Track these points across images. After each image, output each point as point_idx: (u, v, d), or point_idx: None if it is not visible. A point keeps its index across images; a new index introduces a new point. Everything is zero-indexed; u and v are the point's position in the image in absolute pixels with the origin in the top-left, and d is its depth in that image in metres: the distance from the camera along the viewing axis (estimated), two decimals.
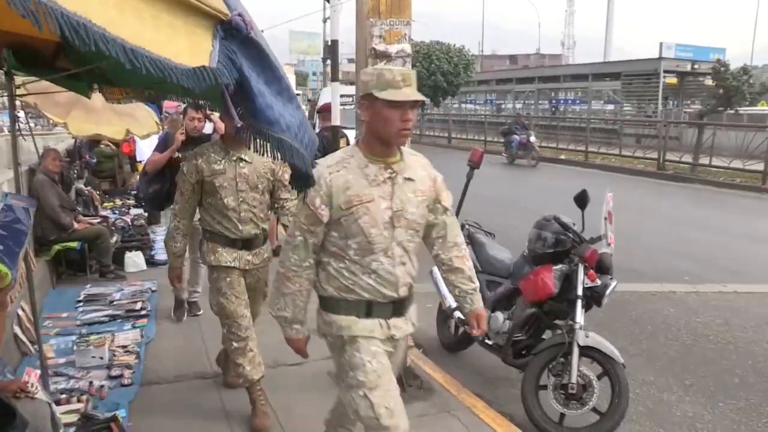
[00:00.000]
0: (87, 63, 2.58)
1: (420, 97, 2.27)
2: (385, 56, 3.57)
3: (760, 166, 15.01)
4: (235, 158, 3.70)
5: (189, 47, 1.25)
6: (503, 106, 37.57)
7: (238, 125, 1.46)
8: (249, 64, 1.36)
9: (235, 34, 1.32)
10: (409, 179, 2.40)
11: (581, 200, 3.98)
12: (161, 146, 5.46)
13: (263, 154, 1.61)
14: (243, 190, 3.70)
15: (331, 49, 4.97)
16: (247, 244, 3.77)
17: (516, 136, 20.16)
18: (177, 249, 3.83)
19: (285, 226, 3.96)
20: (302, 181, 2.16)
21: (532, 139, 20.10)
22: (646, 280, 7.18)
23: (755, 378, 4.74)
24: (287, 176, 3.69)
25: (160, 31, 1.19)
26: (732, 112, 20.85)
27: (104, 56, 1.43)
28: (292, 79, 29.94)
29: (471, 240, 4.80)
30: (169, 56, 1.20)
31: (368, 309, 2.41)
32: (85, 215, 7.94)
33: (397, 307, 2.48)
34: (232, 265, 3.73)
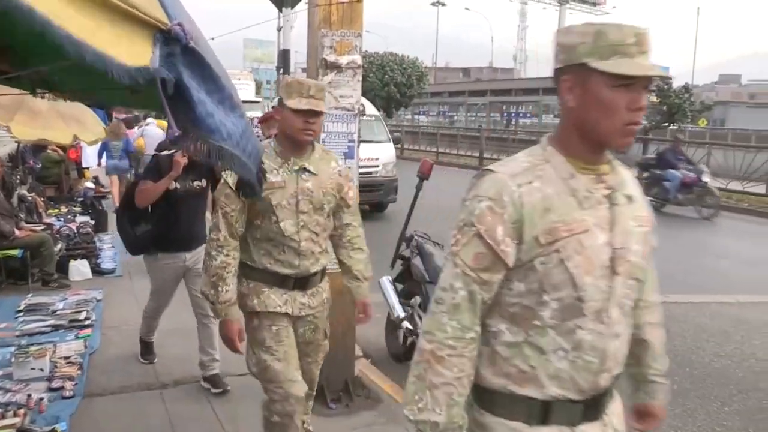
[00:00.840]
0: (29, 66, 2.54)
1: (660, 72, 1.45)
2: (336, 67, 3.60)
3: None
4: (297, 168, 2.81)
5: (129, 52, 1.25)
6: (455, 118, 38.08)
7: (177, 133, 1.46)
8: (189, 73, 1.37)
9: (174, 44, 1.33)
10: (629, 198, 1.58)
11: None
12: (153, 172, 4.28)
13: (214, 160, 1.60)
14: (305, 212, 2.82)
15: (283, 58, 4.96)
16: (302, 282, 2.91)
17: (676, 173, 12.86)
18: (229, 294, 2.78)
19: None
20: (248, 190, 2.13)
21: (706, 178, 12.79)
22: None
23: (691, 384, 4.91)
24: (352, 193, 3.07)
25: (100, 35, 1.20)
26: (675, 127, 21.61)
27: (47, 59, 1.41)
28: (251, 87, 29.55)
29: (419, 250, 4.87)
30: (112, 55, 1.21)
31: (544, 413, 1.52)
32: (28, 222, 7.72)
33: (593, 408, 1.56)
34: (283, 310, 2.87)
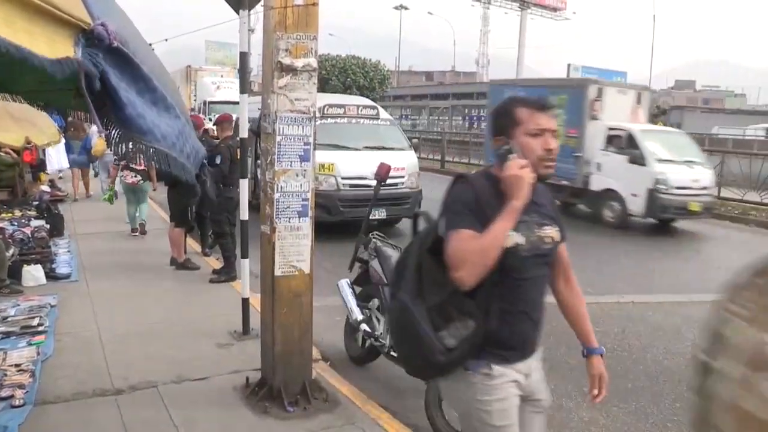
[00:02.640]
0: None
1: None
2: (291, 70, 3.59)
3: None
4: None
5: (49, 50, 1.23)
6: (417, 122, 38.30)
7: (103, 134, 1.43)
8: (118, 73, 1.35)
9: (97, 44, 1.30)
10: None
11: None
12: (464, 213, 2.08)
13: (149, 161, 1.56)
14: None
15: (240, 61, 4.91)
16: None
17: None
18: None
19: None
20: (188, 191, 2.10)
21: None
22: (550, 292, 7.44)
23: (645, 382, 5.01)
24: None
25: (16, 37, 1.18)
26: None
27: None
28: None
29: (377, 253, 4.87)
30: (29, 47, 1.18)
31: None
32: None
33: None
34: None
